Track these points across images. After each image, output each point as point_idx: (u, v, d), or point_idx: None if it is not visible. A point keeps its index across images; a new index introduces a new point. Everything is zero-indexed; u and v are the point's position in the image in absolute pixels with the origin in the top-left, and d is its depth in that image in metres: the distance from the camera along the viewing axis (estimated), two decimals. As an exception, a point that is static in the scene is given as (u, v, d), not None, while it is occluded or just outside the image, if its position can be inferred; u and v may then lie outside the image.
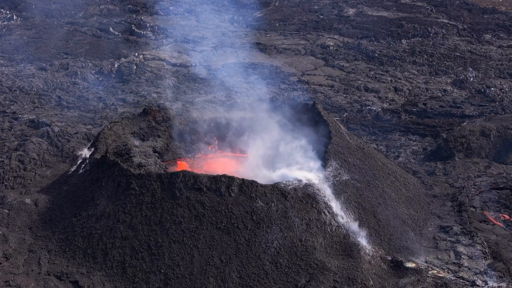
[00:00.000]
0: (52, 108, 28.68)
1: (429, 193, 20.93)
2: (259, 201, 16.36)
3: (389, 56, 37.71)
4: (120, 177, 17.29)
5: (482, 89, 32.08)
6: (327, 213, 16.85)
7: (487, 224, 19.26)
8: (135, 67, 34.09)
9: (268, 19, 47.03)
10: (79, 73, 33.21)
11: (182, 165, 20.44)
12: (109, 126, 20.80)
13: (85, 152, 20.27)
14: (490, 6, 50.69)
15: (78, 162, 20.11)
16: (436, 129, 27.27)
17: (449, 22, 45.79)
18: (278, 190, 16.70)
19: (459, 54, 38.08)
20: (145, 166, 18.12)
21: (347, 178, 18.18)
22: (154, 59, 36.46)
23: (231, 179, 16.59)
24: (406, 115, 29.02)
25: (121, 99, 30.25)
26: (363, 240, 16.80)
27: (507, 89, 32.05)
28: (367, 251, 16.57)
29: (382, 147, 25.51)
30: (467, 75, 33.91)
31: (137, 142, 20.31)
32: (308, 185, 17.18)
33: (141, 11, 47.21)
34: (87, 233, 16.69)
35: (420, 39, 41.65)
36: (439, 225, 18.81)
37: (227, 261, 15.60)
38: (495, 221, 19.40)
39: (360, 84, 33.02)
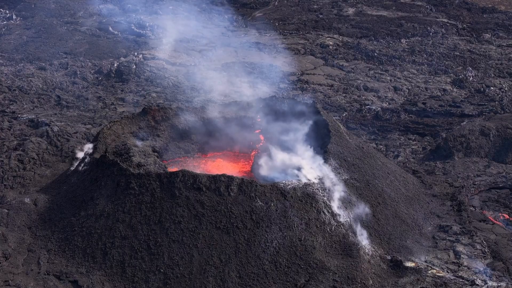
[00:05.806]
0: (51, 108, 28.67)
1: (428, 192, 20.92)
2: (259, 201, 16.35)
3: (389, 55, 37.70)
4: (119, 176, 17.27)
5: (482, 89, 32.07)
6: (326, 213, 16.85)
7: (486, 224, 19.26)
8: (134, 66, 34.06)
9: (268, 19, 47.02)
10: (78, 72, 33.18)
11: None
12: (108, 125, 20.76)
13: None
14: (490, 6, 50.70)
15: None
16: (436, 128, 27.27)
17: (449, 21, 45.78)
18: (277, 190, 16.68)
19: (458, 54, 38.08)
20: (144, 165, 18.08)
21: (346, 177, 18.17)
22: (154, 59, 36.43)
23: (230, 178, 16.57)
24: (405, 115, 29.02)
25: (120, 99, 30.23)
26: (362, 240, 16.79)
27: (506, 89, 32.06)
28: (367, 251, 16.56)
29: (381, 146, 25.52)
30: (467, 75, 33.90)
31: (136, 142, 20.28)
32: (308, 185, 17.16)
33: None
34: (87, 233, 16.68)
35: (419, 39, 41.63)
36: (439, 225, 18.80)
37: (226, 260, 15.59)
38: (494, 221, 19.41)
39: (359, 84, 33.01)
